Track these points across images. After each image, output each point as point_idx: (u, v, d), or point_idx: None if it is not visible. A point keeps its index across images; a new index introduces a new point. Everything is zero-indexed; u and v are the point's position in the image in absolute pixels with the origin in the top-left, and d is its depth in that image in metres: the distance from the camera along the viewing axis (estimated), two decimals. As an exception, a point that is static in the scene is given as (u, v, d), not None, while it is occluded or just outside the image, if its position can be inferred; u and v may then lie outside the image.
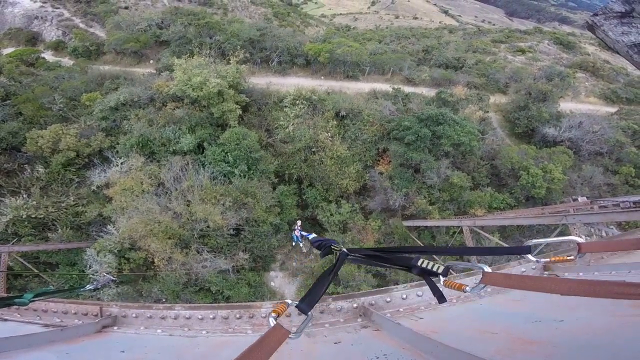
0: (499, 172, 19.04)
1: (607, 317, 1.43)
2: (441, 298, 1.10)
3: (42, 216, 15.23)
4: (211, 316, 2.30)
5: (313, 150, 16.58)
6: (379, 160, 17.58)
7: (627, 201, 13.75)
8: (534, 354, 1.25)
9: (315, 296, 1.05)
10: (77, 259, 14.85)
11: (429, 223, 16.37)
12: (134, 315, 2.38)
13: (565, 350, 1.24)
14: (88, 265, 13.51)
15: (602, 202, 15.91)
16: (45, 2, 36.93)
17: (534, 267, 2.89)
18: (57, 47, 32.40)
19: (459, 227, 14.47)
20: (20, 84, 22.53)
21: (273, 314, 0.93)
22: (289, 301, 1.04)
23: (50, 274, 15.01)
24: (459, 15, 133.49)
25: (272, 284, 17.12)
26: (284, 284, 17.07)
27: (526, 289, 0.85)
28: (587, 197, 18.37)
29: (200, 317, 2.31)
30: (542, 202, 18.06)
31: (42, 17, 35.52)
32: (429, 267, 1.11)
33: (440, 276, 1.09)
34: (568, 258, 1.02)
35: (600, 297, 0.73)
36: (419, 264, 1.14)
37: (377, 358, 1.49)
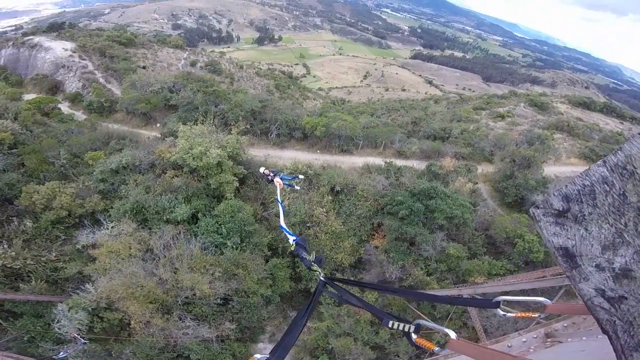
0: (494, 240, 19.07)
1: None
2: (418, 347, 1.19)
3: (18, 267, 14.78)
4: None
5: (308, 225, 16.69)
6: (374, 235, 17.63)
7: None
8: None
9: (286, 347, 1.05)
10: (45, 311, 14.24)
11: (426, 300, 15.68)
12: None
13: None
14: (56, 320, 12.78)
15: None
16: (74, 52, 40.06)
17: (535, 335, 2.82)
18: (75, 99, 34.12)
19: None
20: (31, 133, 23.11)
21: None
22: (258, 356, 1.04)
23: (10, 322, 14.21)
24: (442, 85, 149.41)
25: (259, 356, 15.47)
26: (273, 357, 15.43)
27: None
28: None
29: None
30: (542, 264, 17.71)
31: (68, 67, 38.16)
32: (400, 328, 1.18)
33: (413, 334, 1.17)
34: (533, 316, 1.10)
35: None
36: (389, 326, 1.19)
37: None
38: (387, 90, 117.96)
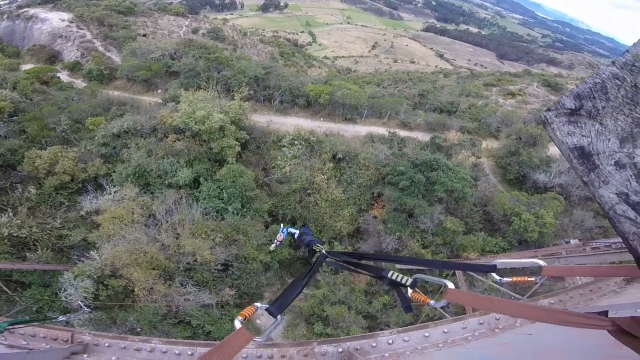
0: (491, 217, 19.18)
1: (573, 334, 1.41)
2: (407, 309, 1.19)
3: (24, 235, 14.97)
4: (189, 352, 2.24)
5: (308, 192, 16.76)
6: (374, 204, 17.73)
7: (618, 242, 13.72)
8: None
9: (286, 300, 1.06)
10: (52, 280, 14.45)
11: (422, 266, 16.12)
12: (106, 344, 2.32)
13: None
14: (63, 289, 13.08)
15: (594, 243, 15.85)
16: (72, 22, 39.05)
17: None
18: (74, 67, 33.73)
19: (451, 270, 14.30)
20: (31, 102, 23.01)
21: (240, 317, 0.93)
22: (258, 304, 1.05)
23: (19, 293, 14.44)
24: (453, 59, 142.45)
25: (258, 321, 16.22)
26: (270, 322, 16.11)
27: (480, 308, 0.96)
28: (579, 239, 18.44)
29: (177, 352, 2.24)
30: (535, 245, 18.02)
31: (66, 37, 37.38)
32: (398, 279, 1.17)
33: (409, 288, 1.16)
34: (528, 279, 1.09)
35: (543, 321, 0.81)
36: (389, 275, 1.19)
37: None
38: (395, 61, 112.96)
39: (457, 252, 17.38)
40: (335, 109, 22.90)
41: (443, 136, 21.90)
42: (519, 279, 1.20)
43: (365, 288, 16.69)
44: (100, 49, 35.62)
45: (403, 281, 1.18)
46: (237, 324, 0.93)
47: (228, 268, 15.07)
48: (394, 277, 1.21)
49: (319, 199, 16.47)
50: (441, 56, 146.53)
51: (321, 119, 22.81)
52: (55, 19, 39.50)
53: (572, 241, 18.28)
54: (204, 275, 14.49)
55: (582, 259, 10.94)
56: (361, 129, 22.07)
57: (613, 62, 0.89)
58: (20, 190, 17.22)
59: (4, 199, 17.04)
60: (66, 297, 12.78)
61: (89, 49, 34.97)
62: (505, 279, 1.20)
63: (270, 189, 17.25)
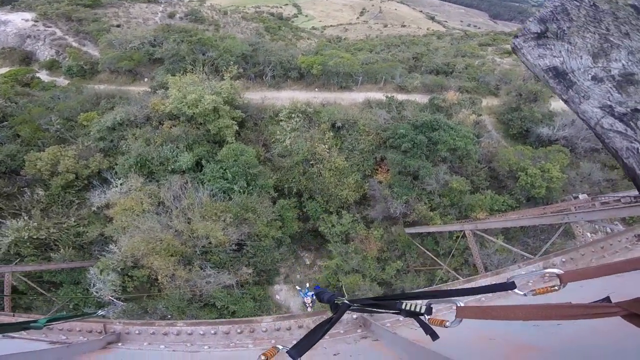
0: (497, 174, 19.16)
1: (606, 320, 1.45)
2: (433, 335, 1.16)
3: (43, 237, 15.38)
4: (212, 331, 2.33)
5: (311, 162, 16.67)
6: (377, 169, 17.68)
7: (628, 196, 13.71)
8: None
9: (307, 345, 1.07)
10: (80, 277, 14.91)
11: (431, 229, 16.36)
12: (137, 332, 2.41)
13: (560, 355, 1.25)
14: (92, 284, 13.52)
15: (603, 198, 15.77)
16: (37, 21, 37.28)
17: (533, 269, 2.93)
18: (52, 66, 32.59)
19: (461, 231, 14.46)
20: (17, 105, 22.63)
21: (262, 357, 0.96)
22: (280, 347, 1.07)
23: (54, 292, 15.02)
24: (445, 21, 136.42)
25: (277, 297, 16.96)
26: (289, 297, 16.92)
27: (492, 318, 0.93)
28: (587, 194, 18.36)
29: (201, 332, 2.33)
30: (543, 201, 18.02)
31: (34, 36, 35.80)
32: (413, 308, 1.18)
33: (425, 315, 1.16)
34: (552, 289, 1.05)
35: (552, 319, 0.82)
36: (403, 307, 1.21)
37: None
38: (385, 26, 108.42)
39: (466, 212, 17.44)
40: (329, 79, 22.31)
41: (442, 97, 21.45)
42: (543, 289, 1.15)
43: (377, 255, 17.00)
44: (75, 44, 34.22)
45: (418, 309, 1.18)
46: None
47: (242, 247, 15.36)
48: (408, 308, 1.20)
49: (323, 168, 16.42)
50: (432, 18, 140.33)
51: (316, 89, 22.28)
52: (17, 20, 37.59)
53: (580, 196, 18.12)
54: (221, 256, 14.81)
55: (591, 214, 10.90)
56: (358, 96, 21.59)
57: None
58: (29, 193, 17.36)
59: (15, 204, 17.27)
60: (97, 292, 13.27)
61: (63, 46, 33.58)
62: (530, 294, 1.15)
63: (273, 164, 17.18)
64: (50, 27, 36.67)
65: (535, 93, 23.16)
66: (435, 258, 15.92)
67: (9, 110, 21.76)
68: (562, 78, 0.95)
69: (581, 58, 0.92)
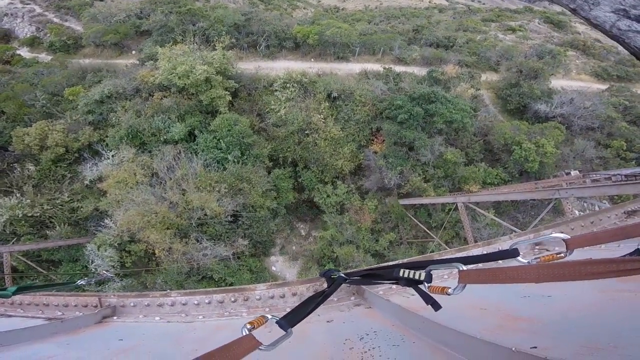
0: (492, 147, 19.19)
1: (594, 292, 1.44)
2: (435, 305, 1.09)
3: (38, 214, 15.17)
4: (207, 301, 2.32)
5: (306, 132, 16.48)
6: (373, 140, 17.57)
7: (618, 174, 13.87)
8: (521, 331, 1.26)
9: (298, 316, 1.03)
10: (78, 254, 14.80)
11: (424, 201, 16.54)
12: (132, 304, 2.40)
13: (552, 326, 1.24)
14: (90, 261, 13.46)
15: (594, 175, 15.97)
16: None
17: (524, 239, 3.05)
18: (33, 43, 31.19)
19: (454, 203, 14.62)
20: None
21: (248, 326, 0.91)
22: (269, 316, 1.02)
23: (54, 271, 14.91)
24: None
25: (274, 268, 17.30)
26: (285, 268, 17.26)
27: (499, 282, 0.85)
28: (579, 171, 18.57)
29: (196, 302, 2.33)
30: (536, 176, 18.22)
31: (12, 14, 34.04)
32: (411, 276, 1.12)
33: (425, 283, 1.09)
34: (558, 256, 1.01)
35: (569, 280, 0.71)
36: (400, 275, 1.14)
37: (367, 335, 1.51)
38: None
39: (459, 185, 17.61)
40: (325, 49, 21.66)
41: (440, 70, 21.02)
42: (549, 257, 1.02)
43: (371, 226, 17.24)
44: (56, 20, 32.78)
45: (417, 277, 1.09)
46: (244, 332, 0.87)
47: (238, 219, 15.39)
48: (406, 276, 1.11)
49: (318, 138, 16.26)
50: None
51: (312, 59, 21.68)
52: (-8, 0, 35.59)
53: (572, 172, 18.32)
54: (216, 228, 14.81)
55: (582, 191, 11.01)
56: (355, 67, 21.09)
57: None
58: (19, 169, 17.03)
59: (6, 181, 16.96)
60: (95, 269, 13.15)
61: (43, 22, 32.08)
62: (534, 260, 1.02)
63: (267, 133, 16.96)
64: (29, 4, 34.82)
65: (536, 70, 22.88)
66: (427, 230, 16.20)
67: (-10, 88, 21.00)
68: None
69: None
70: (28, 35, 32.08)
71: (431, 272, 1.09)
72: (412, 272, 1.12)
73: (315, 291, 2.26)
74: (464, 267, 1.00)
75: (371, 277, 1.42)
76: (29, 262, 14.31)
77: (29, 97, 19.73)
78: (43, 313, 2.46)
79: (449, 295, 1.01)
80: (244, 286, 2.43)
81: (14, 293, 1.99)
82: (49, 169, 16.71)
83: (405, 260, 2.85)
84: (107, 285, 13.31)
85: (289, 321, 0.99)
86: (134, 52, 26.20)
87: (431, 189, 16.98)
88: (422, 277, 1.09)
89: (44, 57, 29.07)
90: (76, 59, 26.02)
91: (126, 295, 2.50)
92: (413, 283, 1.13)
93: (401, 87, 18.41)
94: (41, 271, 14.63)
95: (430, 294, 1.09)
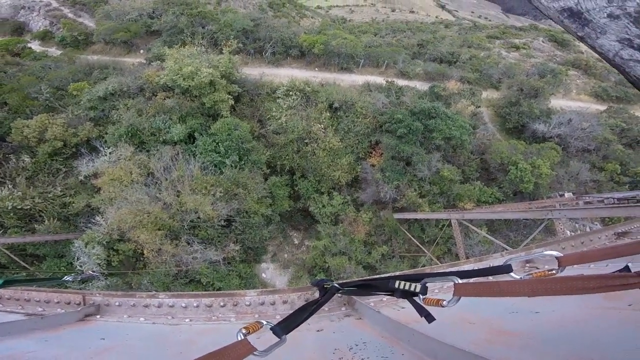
0: (488, 166, 19.28)
1: (581, 309, 1.47)
2: (429, 317, 1.10)
3: (28, 207, 14.87)
4: (195, 304, 2.29)
5: (306, 141, 16.57)
6: (371, 153, 17.66)
7: (611, 197, 14.02)
8: (510, 345, 1.28)
9: (293, 323, 1.03)
10: (65, 250, 14.51)
11: (419, 216, 16.56)
12: (117, 303, 2.36)
13: (539, 341, 1.26)
14: (76, 257, 13.17)
15: (587, 198, 16.12)
16: None
17: (515, 256, 3.07)
18: (45, 37, 31.74)
19: (447, 220, 14.64)
20: (5, 74, 22.01)
21: (243, 330, 0.92)
22: (264, 322, 1.02)
23: (37, 266, 14.62)
24: (456, 10, 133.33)
25: (264, 275, 17.15)
26: (275, 275, 17.12)
27: (493, 295, 0.87)
28: (573, 193, 18.65)
29: (183, 305, 2.30)
30: (530, 196, 18.32)
31: (29, 7, 34.87)
32: (407, 288, 1.13)
33: (420, 295, 1.11)
34: (549, 273, 1.04)
35: (561, 294, 0.74)
36: (396, 286, 1.16)
37: (357, 345, 1.51)
38: (393, 11, 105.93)
39: (454, 202, 17.64)
40: (330, 59, 21.97)
41: (442, 85, 21.25)
42: (540, 273, 1.08)
43: (365, 238, 17.21)
44: (70, 15, 33.37)
45: (412, 289, 1.11)
46: (240, 336, 0.88)
47: (231, 223, 15.27)
48: (402, 287, 1.14)
49: (317, 148, 16.34)
50: (443, 7, 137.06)
51: (316, 69, 21.94)
52: (13, -9, 36.30)
53: (566, 194, 18.44)
54: (209, 231, 14.67)
55: (574, 212, 11.17)
56: (358, 78, 21.33)
57: None
58: (14, 160, 16.89)
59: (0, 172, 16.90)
60: (81, 266, 12.86)
61: (58, 17, 32.64)
62: (526, 275, 1.05)
63: (267, 140, 17.04)
64: None
65: (536, 89, 23.13)
66: (420, 245, 16.19)
67: (-2, 79, 21.13)
68: (577, 17, 0.97)
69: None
70: (41, 29, 32.64)
71: (427, 285, 1.11)
72: (408, 284, 1.14)
73: (307, 300, 2.24)
74: (460, 281, 1.02)
75: (365, 287, 1.43)
76: (13, 256, 13.96)
77: (34, 90, 19.81)
78: (23, 308, 2.40)
79: (443, 307, 1.02)
80: (234, 291, 2.40)
81: (0, 286, 1.94)
82: (45, 161, 16.56)
83: (400, 272, 2.87)
84: (90, 284, 12.95)
85: (283, 328, 0.99)
86: (142, 51, 26.52)
87: (426, 205, 16.99)
88: (418, 289, 1.11)
89: (54, 51, 29.46)
90: (84, 55, 26.32)
91: (112, 294, 2.46)
92: (408, 295, 1.15)
93: (402, 101, 18.59)
94: (25, 265, 14.31)
95: (425, 306, 1.11)
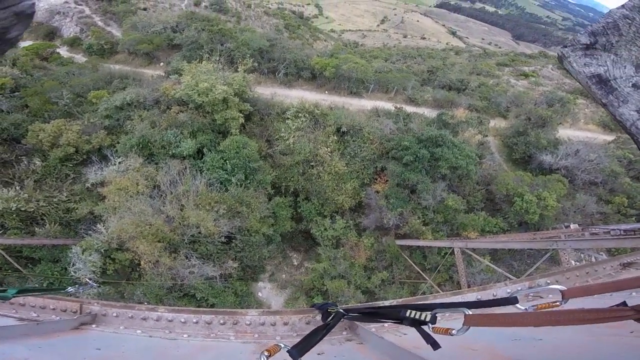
0: (494, 197, 19.07)
1: (583, 335, 1.48)
2: (435, 344, 1.14)
3: (32, 210, 14.91)
4: (194, 320, 2.28)
5: (312, 164, 16.71)
6: (376, 179, 17.67)
7: (617, 229, 13.69)
8: None
9: (307, 345, 1.10)
10: (61, 255, 14.49)
11: (421, 243, 16.33)
12: (114, 314, 2.34)
13: None
14: (72, 263, 13.12)
15: (593, 229, 15.76)
16: None
17: (519, 287, 2.98)
18: (73, 43, 33.14)
19: (450, 248, 14.42)
20: (32, 77, 22.91)
21: (266, 353, 0.98)
22: (282, 344, 1.08)
23: (30, 269, 14.46)
24: (466, 37, 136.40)
25: (260, 294, 16.90)
26: (272, 295, 16.85)
27: (501, 325, 0.92)
28: (579, 224, 18.34)
29: (183, 320, 2.28)
30: (535, 227, 18.02)
31: (63, 13, 36.62)
32: (417, 317, 1.18)
33: (429, 324, 1.15)
34: (553, 304, 1.09)
35: (564, 325, 0.80)
36: (407, 315, 1.20)
37: None
38: (405, 37, 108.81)
39: (457, 231, 17.44)
40: (340, 83, 22.44)
41: (450, 113, 21.42)
42: (545, 305, 1.17)
43: (365, 263, 16.97)
44: (100, 23, 34.93)
45: (422, 318, 1.17)
46: (263, 358, 0.98)
47: (231, 240, 15.20)
48: (412, 316, 1.19)
49: (322, 171, 16.44)
50: (454, 34, 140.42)
51: (326, 92, 22.41)
52: (51, -4, 38.39)
53: (572, 226, 18.13)
54: (208, 247, 14.62)
55: (580, 242, 10.97)
56: (367, 103, 21.67)
57: (622, 6, 1.04)
58: (26, 162, 17.19)
59: (9, 172, 17.05)
60: (75, 272, 12.77)
61: (88, 24, 34.29)
62: (530, 306, 1.12)
63: (273, 160, 17.22)
64: (81, 4, 37.51)
65: (544, 118, 23.08)
66: (421, 272, 15.88)
67: (23, 81, 21.89)
68: (604, 84, 1.05)
69: (625, 68, 1.02)
70: (71, 35, 34.16)
71: (436, 315, 1.15)
72: (418, 313, 1.18)
73: (308, 322, 2.24)
74: (469, 312, 1.05)
75: (372, 315, 1.44)
76: (7, 257, 13.77)
77: (55, 94, 20.43)
78: (17, 312, 2.36)
79: (452, 335, 1.05)
80: (235, 310, 2.38)
81: (14, 295, 1.92)
82: (55, 166, 16.83)
83: (404, 300, 2.76)
84: (77, 287, 12.79)
85: (299, 351, 1.04)
86: (162, 63, 27.52)
87: (429, 233, 16.81)
88: (428, 319, 1.14)
89: (80, 58, 30.66)
90: (108, 64, 27.41)
91: (110, 304, 2.43)
92: (417, 323, 1.18)
93: (410, 128, 18.74)
94: (18, 268, 14.03)
95: (432, 334, 1.14)
